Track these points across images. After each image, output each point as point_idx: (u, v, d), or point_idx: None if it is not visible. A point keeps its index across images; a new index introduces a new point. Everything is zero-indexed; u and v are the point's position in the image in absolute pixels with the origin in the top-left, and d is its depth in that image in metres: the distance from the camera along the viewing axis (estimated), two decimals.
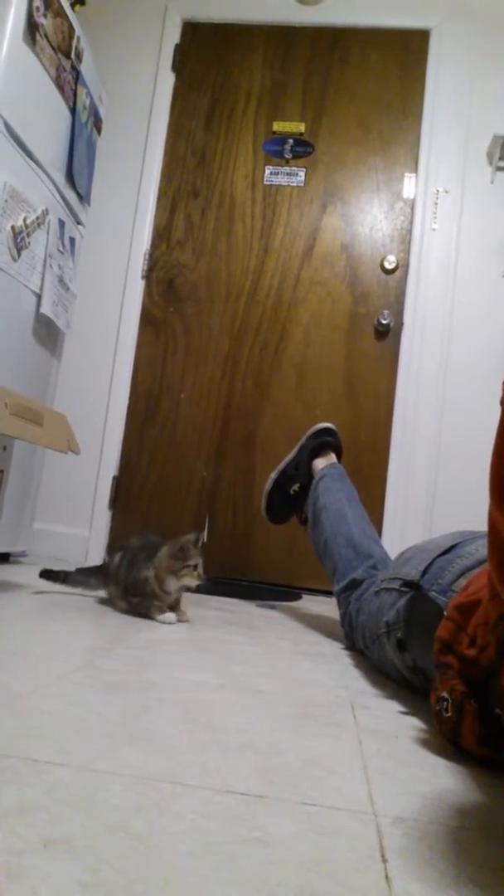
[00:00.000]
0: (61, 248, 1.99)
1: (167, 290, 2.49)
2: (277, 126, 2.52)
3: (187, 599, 1.66)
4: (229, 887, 0.37)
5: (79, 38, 1.95)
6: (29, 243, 1.79)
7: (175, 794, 0.49)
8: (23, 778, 0.48)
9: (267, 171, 2.50)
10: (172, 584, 1.27)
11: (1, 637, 0.95)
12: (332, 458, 1.55)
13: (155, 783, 0.50)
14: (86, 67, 2.02)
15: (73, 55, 1.92)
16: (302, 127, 2.51)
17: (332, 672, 1.00)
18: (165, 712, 0.68)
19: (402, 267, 2.41)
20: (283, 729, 0.68)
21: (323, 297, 2.43)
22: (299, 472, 1.55)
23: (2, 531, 1.82)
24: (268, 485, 1.62)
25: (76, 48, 1.94)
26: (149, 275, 2.50)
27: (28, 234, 1.77)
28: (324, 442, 1.55)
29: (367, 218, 2.46)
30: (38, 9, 1.70)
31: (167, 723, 0.65)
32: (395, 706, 0.83)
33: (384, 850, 0.45)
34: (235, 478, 2.37)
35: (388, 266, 2.40)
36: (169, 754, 0.56)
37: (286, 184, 2.48)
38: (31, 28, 1.69)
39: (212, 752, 0.58)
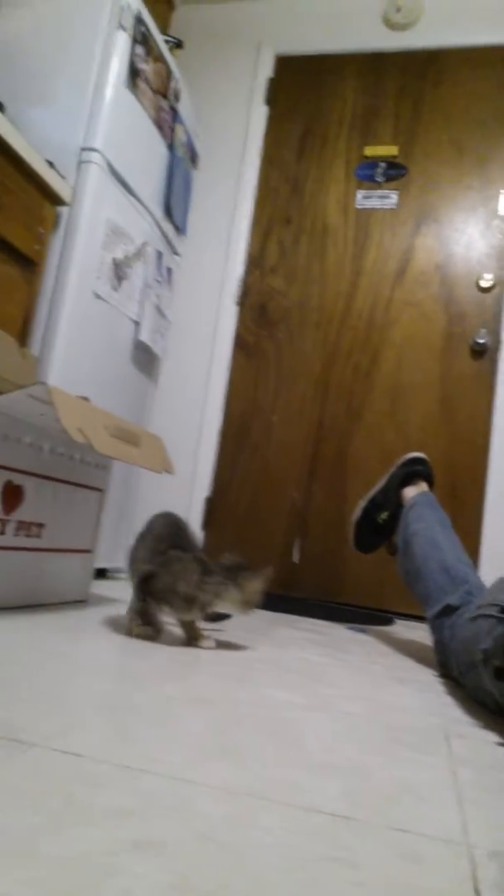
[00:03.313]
0: (159, 278, 2.08)
1: (260, 315, 2.54)
2: (369, 150, 2.53)
3: (278, 621, 1.66)
4: None
5: (176, 80, 2.05)
6: (129, 274, 1.88)
7: (262, 809, 0.49)
8: (117, 783, 0.50)
9: (359, 195, 2.52)
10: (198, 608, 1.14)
11: (98, 650, 0.99)
12: (424, 486, 1.52)
13: (242, 796, 0.51)
14: (183, 106, 2.11)
15: (170, 96, 2.02)
16: (395, 150, 2.51)
17: (425, 699, 0.97)
18: (253, 729, 0.69)
19: (499, 285, 2.35)
20: (373, 752, 0.67)
21: (416, 318, 2.40)
22: (388, 500, 1.53)
23: (101, 548, 1.90)
24: (356, 513, 1.60)
25: (174, 89, 2.04)
26: (242, 301, 2.55)
27: (128, 266, 1.87)
28: (414, 471, 1.53)
29: (462, 237, 2.42)
30: (139, 55, 1.80)
31: (255, 739, 0.65)
32: (491, 737, 0.80)
33: (477, 881, 0.43)
34: (326, 500, 2.36)
35: (483, 284, 2.35)
36: (256, 770, 0.57)
37: (379, 207, 2.49)
38: (133, 74, 1.79)
39: (299, 771, 0.58)
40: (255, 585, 1.15)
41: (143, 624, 1.14)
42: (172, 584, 1.09)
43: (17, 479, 1.19)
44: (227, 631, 1.34)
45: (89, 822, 0.42)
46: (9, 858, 0.36)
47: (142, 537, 1.17)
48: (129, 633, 1.12)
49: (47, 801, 0.45)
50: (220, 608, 1.14)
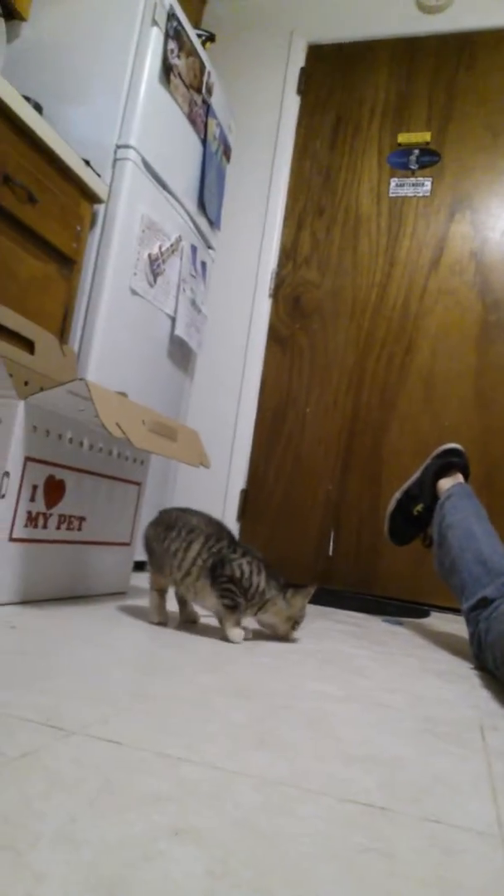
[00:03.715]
0: (193, 273, 2.09)
1: (293, 307, 2.53)
2: (402, 138, 2.50)
3: (313, 613, 1.67)
4: (350, 893, 0.38)
5: (209, 73, 2.05)
6: (164, 269, 1.90)
7: (298, 799, 0.50)
8: (156, 770, 0.51)
9: (392, 184, 2.49)
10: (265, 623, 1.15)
11: (137, 641, 1.01)
12: (459, 477, 1.51)
13: (279, 786, 0.52)
14: (216, 100, 2.12)
15: (203, 90, 2.03)
16: (428, 136, 2.48)
17: (461, 691, 0.97)
18: (289, 719, 0.70)
19: None
20: (408, 744, 0.67)
21: (451, 307, 2.37)
22: (423, 492, 1.52)
23: (140, 541, 1.93)
24: (391, 505, 1.60)
25: (207, 83, 2.04)
26: (276, 293, 2.55)
27: (163, 261, 1.88)
28: (450, 462, 1.51)
29: (497, 223, 2.38)
30: (172, 51, 1.81)
31: (291, 730, 0.66)
32: None
33: None
34: (361, 491, 2.36)
35: None
36: (292, 760, 0.58)
37: (412, 195, 2.46)
38: (166, 69, 1.80)
39: (335, 761, 0.59)
40: (301, 601, 1.14)
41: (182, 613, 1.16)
42: (251, 575, 1.09)
43: (59, 473, 1.22)
44: None
45: (129, 808, 0.44)
46: (50, 842, 0.38)
47: (188, 538, 1.12)
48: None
49: (87, 786, 0.46)
50: (264, 617, 1.14)
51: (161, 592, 1.18)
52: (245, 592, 1.09)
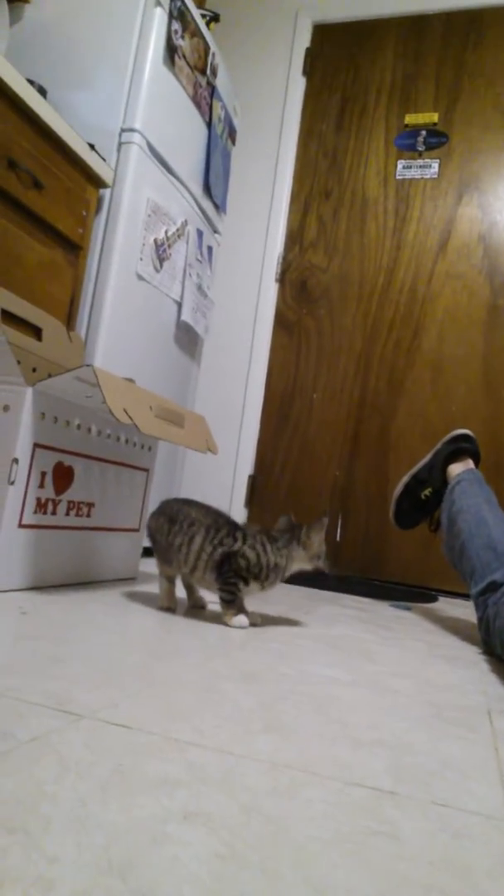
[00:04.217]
0: (199, 257, 2.08)
1: (300, 291, 2.52)
2: (409, 119, 2.47)
3: (321, 598, 1.68)
4: (357, 876, 0.38)
5: (213, 55, 2.03)
6: (170, 254, 1.89)
7: (306, 783, 0.51)
8: (165, 754, 0.52)
9: (399, 166, 2.47)
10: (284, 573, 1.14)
11: (146, 626, 1.02)
12: (470, 463, 1.51)
13: (287, 770, 0.52)
14: (220, 82, 2.09)
15: (208, 71, 2.00)
16: (435, 117, 2.45)
17: (469, 676, 0.98)
18: (298, 704, 0.70)
19: None
20: (416, 729, 0.68)
21: (459, 290, 2.35)
22: (432, 476, 1.52)
23: None
24: (398, 488, 1.60)
25: (211, 64, 2.02)
26: (282, 277, 2.54)
27: (169, 246, 1.87)
28: (461, 448, 1.51)
29: None
30: (176, 31, 1.79)
31: (299, 714, 0.67)
32: None
33: None
34: (368, 476, 2.35)
35: None
36: (301, 744, 0.58)
37: (419, 177, 2.43)
38: (171, 50, 1.78)
39: (342, 746, 0.59)
40: (317, 536, 1.14)
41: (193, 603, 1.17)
42: (258, 559, 1.09)
43: (68, 460, 1.22)
44: (270, 607, 1.36)
45: (139, 792, 0.44)
46: (61, 825, 0.38)
47: (190, 531, 1.12)
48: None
49: (98, 770, 0.47)
50: (294, 570, 1.14)
51: (170, 579, 1.18)
52: (258, 577, 1.09)
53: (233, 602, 1.10)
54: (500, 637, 1.07)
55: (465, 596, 1.94)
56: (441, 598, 2.06)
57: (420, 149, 2.44)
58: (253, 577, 1.09)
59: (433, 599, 2.00)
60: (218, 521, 1.14)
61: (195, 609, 1.22)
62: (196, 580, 1.14)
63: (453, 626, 1.50)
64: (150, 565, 1.82)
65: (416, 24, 2.49)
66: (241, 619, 1.10)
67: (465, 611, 1.81)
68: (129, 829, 0.39)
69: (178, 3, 1.81)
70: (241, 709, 0.66)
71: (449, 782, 0.55)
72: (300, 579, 1.17)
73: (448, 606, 1.90)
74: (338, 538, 2.34)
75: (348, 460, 2.38)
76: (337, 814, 0.46)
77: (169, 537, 1.13)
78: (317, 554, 1.14)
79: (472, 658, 1.13)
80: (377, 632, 1.27)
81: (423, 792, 0.52)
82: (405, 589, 2.18)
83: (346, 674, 0.88)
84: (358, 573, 2.30)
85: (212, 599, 1.24)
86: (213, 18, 2.32)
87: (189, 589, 1.23)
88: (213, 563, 1.10)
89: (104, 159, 1.69)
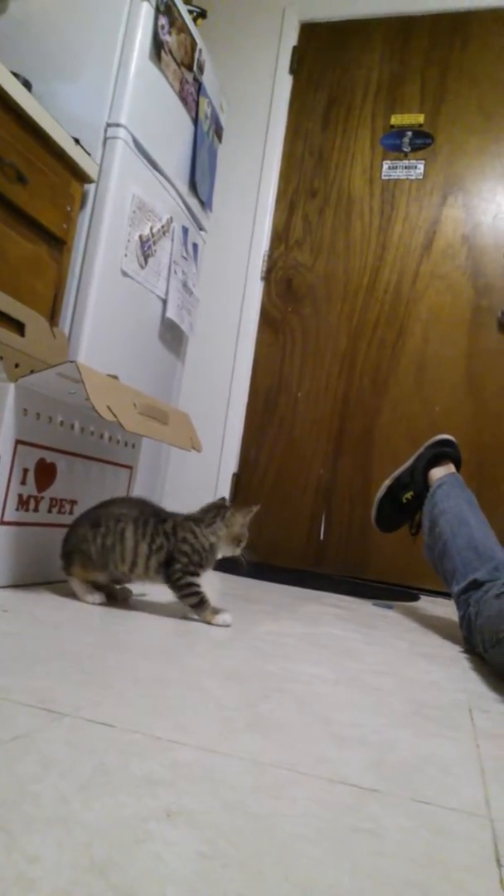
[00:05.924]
0: (185, 254, 2.07)
1: (285, 290, 2.52)
2: (395, 119, 2.48)
3: (305, 597, 1.68)
4: (340, 873, 0.39)
5: (200, 51, 2.02)
6: (155, 251, 1.88)
7: (290, 781, 0.51)
8: (148, 753, 0.52)
9: (385, 166, 2.47)
10: (217, 556, 1.12)
11: (129, 625, 1.01)
12: (451, 467, 1.52)
13: (270, 768, 0.52)
14: (207, 78, 2.09)
15: (195, 68, 2.00)
16: (421, 118, 2.46)
17: (450, 674, 0.98)
18: (282, 702, 0.70)
19: None
20: (398, 726, 0.68)
21: (443, 291, 2.36)
22: (414, 480, 1.53)
23: None
24: (380, 491, 1.61)
25: (198, 60, 2.01)
26: (268, 276, 2.54)
27: (154, 243, 1.86)
28: (443, 452, 1.53)
29: (489, 206, 2.37)
30: (162, 27, 1.78)
31: (283, 712, 0.67)
32: None
33: (499, 854, 0.44)
34: (353, 475, 2.36)
35: None
36: (284, 742, 0.58)
37: (405, 177, 2.44)
38: (157, 46, 1.77)
39: (326, 744, 0.60)
40: (241, 519, 1.13)
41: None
42: (193, 547, 1.09)
43: (50, 456, 1.21)
44: (254, 606, 1.36)
45: (121, 791, 0.44)
46: (43, 824, 0.38)
47: (118, 528, 1.09)
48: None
49: (80, 769, 0.46)
50: (220, 551, 1.12)
51: (97, 586, 1.13)
52: (201, 563, 1.09)
53: (203, 602, 1.09)
54: (482, 635, 1.07)
55: (447, 595, 1.96)
56: (423, 597, 2.07)
57: (406, 150, 2.45)
58: (198, 566, 1.09)
59: (415, 598, 2.01)
60: (144, 511, 1.12)
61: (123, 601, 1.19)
62: (137, 578, 1.11)
63: (435, 625, 1.51)
64: None
65: (403, 25, 2.50)
66: (225, 617, 1.09)
67: (446, 609, 1.82)
68: (111, 828, 0.39)
69: None
70: (225, 707, 0.66)
71: (430, 779, 0.55)
72: (218, 564, 1.16)
73: (430, 605, 1.91)
74: (321, 537, 2.34)
75: (332, 459, 2.39)
76: (320, 812, 0.46)
77: (97, 541, 1.09)
78: (238, 537, 1.13)
79: (454, 656, 1.14)
80: (360, 630, 1.28)
81: (405, 789, 0.52)
82: (388, 588, 2.19)
83: (330, 672, 0.88)
84: (341, 572, 2.31)
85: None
86: (200, 14, 2.31)
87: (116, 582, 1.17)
88: (156, 565, 1.09)
89: (89, 154, 1.68)
